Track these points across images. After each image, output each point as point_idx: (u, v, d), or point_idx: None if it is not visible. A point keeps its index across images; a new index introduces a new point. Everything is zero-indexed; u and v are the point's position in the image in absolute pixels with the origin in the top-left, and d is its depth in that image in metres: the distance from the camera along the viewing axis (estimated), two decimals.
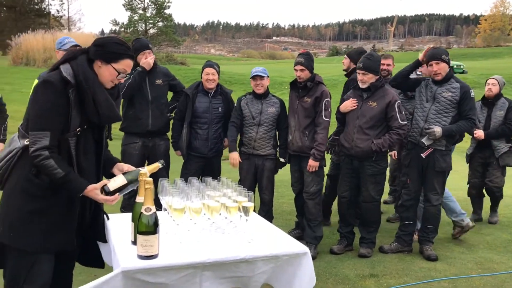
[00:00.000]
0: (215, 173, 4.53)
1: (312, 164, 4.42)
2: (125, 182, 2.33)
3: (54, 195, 2.32)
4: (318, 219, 4.57)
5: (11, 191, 2.33)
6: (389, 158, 4.86)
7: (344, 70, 5.33)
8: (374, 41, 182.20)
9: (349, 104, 4.48)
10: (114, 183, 2.32)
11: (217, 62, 5.05)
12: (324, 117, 4.43)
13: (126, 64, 2.43)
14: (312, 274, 2.50)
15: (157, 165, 2.41)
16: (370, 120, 4.37)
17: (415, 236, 4.82)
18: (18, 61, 25.43)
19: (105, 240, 2.63)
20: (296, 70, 4.53)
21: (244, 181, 4.62)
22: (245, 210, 2.54)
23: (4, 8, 57.83)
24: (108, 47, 2.39)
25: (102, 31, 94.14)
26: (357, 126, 4.43)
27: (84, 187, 2.28)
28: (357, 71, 4.46)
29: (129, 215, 2.74)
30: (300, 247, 2.51)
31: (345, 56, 5.37)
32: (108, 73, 2.39)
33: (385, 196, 5.93)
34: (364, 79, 4.39)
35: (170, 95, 4.95)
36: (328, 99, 4.47)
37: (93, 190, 2.29)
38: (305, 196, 4.57)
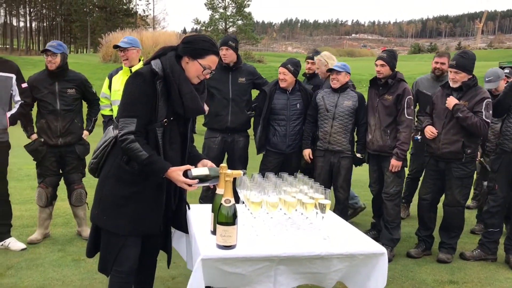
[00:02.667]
0: (293, 170, 4.56)
1: (395, 164, 4.31)
2: (207, 173, 2.43)
3: (143, 181, 2.49)
4: (396, 221, 4.45)
5: (105, 177, 2.54)
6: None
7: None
8: (460, 38, 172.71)
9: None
10: (197, 170, 2.43)
11: None
12: (406, 115, 4.30)
13: (211, 60, 2.53)
14: (385, 275, 2.45)
15: (239, 172, 2.47)
16: None
17: None
18: (108, 58, 27.12)
19: (186, 231, 2.76)
20: (376, 65, 4.44)
21: (318, 178, 4.61)
22: (322, 207, 2.54)
23: (97, 9, 61.87)
24: (195, 44, 2.51)
25: (184, 29, 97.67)
26: (446, 126, 4.26)
27: (167, 167, 2.40)
28: (449, 69, 4.29)
29: (208, 206, 2.86)
30: (377, 247, 2.47)
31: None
32: (194, 69, 2.51)
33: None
34: (456, 78, 4.20)
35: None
36: (410, 96, 4.34)
37: (176, 171, 2.39)
38: (384, 197, 4.46)
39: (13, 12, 77.55)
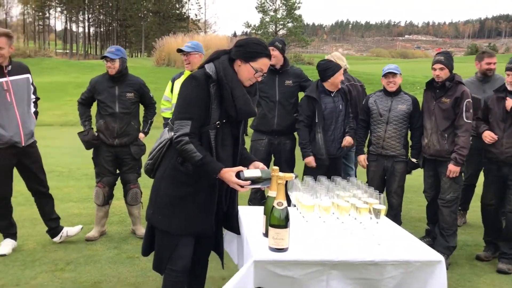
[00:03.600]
0: (339, 173, 4.50)
1: (453, 169, 4.16)
2: (259, 175, 2.44)
3: (197, 182, 2.54)
4: (453, 228, 4.29)
5: (160, 178, 2.61)
6: None
7: None
8: None
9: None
10: (249, 172, 2.45)
11: None
12: (465, 119, 4.15)
13: (263, 63, 2.55)
14: (445, 284, 2.36)
15: (291, 175, 2.46)
16: None
17: None
18: (161, 62, 27.81)
19: (238, 232, 2.78)
20: (434, 69, 4.29)
21: (370, 183, 4.51)
22: (376, 213, 2.49)
23: (151, 14, 63.72)
24: (247, 47, 2.54)
25: (235, 33, 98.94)
26: (507, 130, 4.08)
27: (220, 168, 2.44)
28: (506, 72, 4.11)
29: (259, 208, 2.87)
30: (434, 255, 2.39)
31: None
32: (247, 72, 2.54)
33: None
34: None
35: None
36: (469, 99, 4.18)
37: (229, 172, 2.42)
38: (440, 203, 4.31)
39: (73, 19, 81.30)
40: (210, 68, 2.52)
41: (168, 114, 4.97)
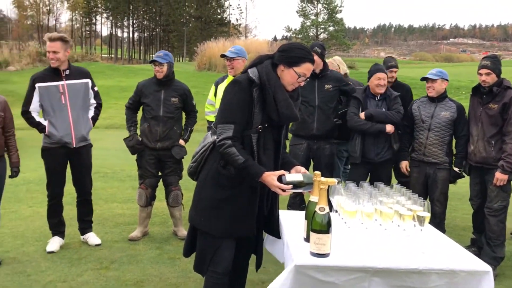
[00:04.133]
0: (383, 181, 4.42)
1: (500, 177, 4.01)
2: (301, 179, 2.44)
3: (239, 185, 2.57)
4: (500, 238, 4.14)
5: (203, 181, 2.66)
6: None
7: None
8: None
9: None
10: (291, 176, 2.46)
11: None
12: None
13: (306, 68, 2.55)
14: None
15: (333, 181, 2.44)
16: None
17: None
18: (202, 67, 28.20)
19: (279, 236, 2.79)
20: (480, 74, 4.16)
21: (412, 190, 4.40)
22: (420, 220, 2.44)
23: (193, 19, 64.79)
24: (290, 52, 2.56)
25: (275, 37, 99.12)
26: None
27: (262, 171, 2.46)
28: None
29: (300, 213, 2.87)
30: (481, 265, 2.31)
31: None
32: (290, 76, 2.55)
33: None
34: None
35: None
36: None
37: (270, 176, 2.44)
38: (487, 212, 4.17)
39: (118, 24, 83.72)
40: (253, 72, 2.55)
41: (211, 118, 5.04)
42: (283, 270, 2.28)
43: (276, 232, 2.81)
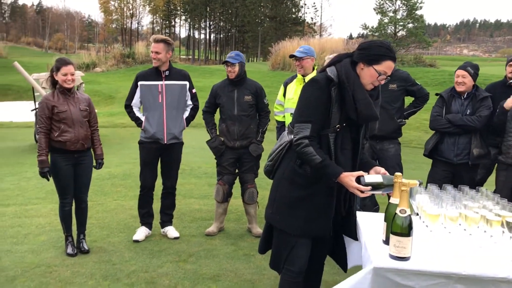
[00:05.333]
0: (462, 184, 4.19)
1: None
2: (381, 181, 2.38)
3: (315, 184, 2.56)
4: None
5: (280, 179, 2.68)
6: None
7: None
8: None
9: None
10: (370, 177, 2.40)
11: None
12: None
13: (387, 66, 2.48)
14: None
15: (415, 182, 2.36)
16: None
17: None
18: (276, 66, 28.39)
19: (355, 238, 2.75)
20: None
21: (500, 193, 4.14)
22: (510, 226, 2.29)
23: (267, 19, 65.30)
24: (370, 50, 2.50)
25: (350, 35, 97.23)
26: None
27: (340, 172, 2.43)
28: None
29: (377, 214, 2.81)
30: None
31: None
32: (369, 75, 2.49)
33: None
34: None
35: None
36: None
37: (348, 176, 2.40)
38: None
39: (195, 26, 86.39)
40: (331, 71, 2.52)
41: (280, 118, 5.07)
42: (359, 271, 2.23)
43: (352, 234, 2.77)
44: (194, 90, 4.80)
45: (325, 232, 2.67)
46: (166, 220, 4.87)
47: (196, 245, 4.56)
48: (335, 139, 2.54)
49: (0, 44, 49.27)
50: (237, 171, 4.93)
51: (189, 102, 4.77)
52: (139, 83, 4.58)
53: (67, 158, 4.15)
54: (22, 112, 18.56)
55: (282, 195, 2.64)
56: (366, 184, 2.37)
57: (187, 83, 4.69)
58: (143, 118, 4.59)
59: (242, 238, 4.83)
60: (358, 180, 2.39)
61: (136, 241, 4.59)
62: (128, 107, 4.66)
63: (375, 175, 2.44)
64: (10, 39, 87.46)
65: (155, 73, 4.59)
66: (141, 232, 4.71)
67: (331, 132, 2.52)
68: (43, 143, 4.10)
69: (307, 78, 4.77)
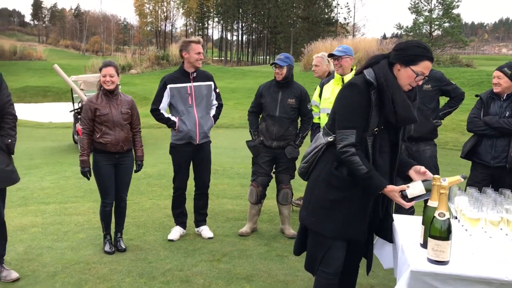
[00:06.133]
0: (502, 187, 4.06)
1: None
2: (423, 192, 2.37)
3: (351, 187, 2.54)
4: None
5: (315, 181, 2.67)
6: None
7: None
8: None
9: None
10: (413, 190, 2.40)
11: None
12: None
13: (424, 66, 2.45)
14: None
15: (458, 179, 2.32)
16: None
17: None
18: (308, 67, 28.19)
19: (391, 240, 2.72)
20: None
21: None
22: None
23: (300, 20, 65.14)
24: (407, 50, 2.47)
25: (384, 35, 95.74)
26: None
27: (384, 185, 2.42)
28: None
29: (415, 217, 2.77)
30: None
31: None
32: (406, 76, 2.47)
33: None
34: None
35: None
36: None
37: (392, 192, 2.42)
38: None
39: (228, 28, 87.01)
40: (369, 74, 2.50)
41: (315, 119, 5.06)
42: (400, 276, 2.21)
43: (388, 237, 2.74)
44: (217, 90, 4.91)
45: (361, 235, 2.65)
46: (201, 219, 4.93)
47: (229, 245, 4.60)
48: (373, 142, 2.52)
49: (40, 47, 50.99)
50: (273, 171, 4.94)
51: (215, 101, 4.87)
52: (168, 86, 4.62)
53: (108, 159, 4.26)
54: (61, 113, 19.17)
55: (318, 197, 2.64)
56: (410, 199, 2.38)
57: (212, 83, 4.80)
58: (175, 119, 4.64)
59: (275, 239, 4.83)
60: (402, 193, 2.41)
61: (171, 240, 4.66)
62: (156, 111, 4.67)
63: (418, 185, 2.43)
64: (49, 42, 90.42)
65: (183, 75, 4.66)
66: (176, 232, 4.78)
67: (369, 136, 2.51)
68: (85, 144, 4.23)
69: (346, 79, 4.74)
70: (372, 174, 2.42)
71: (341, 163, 2.55)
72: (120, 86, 4.52)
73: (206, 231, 4.85)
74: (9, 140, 3.67)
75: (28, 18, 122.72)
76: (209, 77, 4.81)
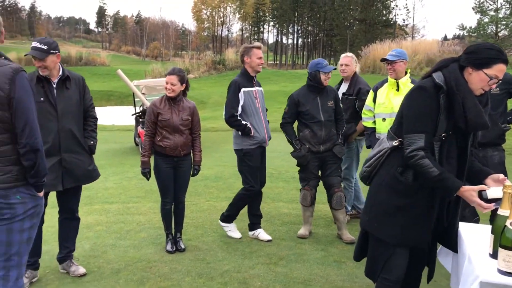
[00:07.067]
0: None
1: None
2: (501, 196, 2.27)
3: (416, 193, 2.48)
4: None
5: (378, 186, 2.62)
6: None
7: None
8: None
9: None
10: (493, 192, 2.29)
11: None
12: None
13: (498, 69, 2.35)
14: None
15: None
16: None
17: None
18: (365, 70, 27.74)
19: (455, 250, 2.62)
20: None
21: None
22: None
23: (357, 22, 64.20)
24: (479, 53, 2.38)
25: (445, 36, 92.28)
26: None
27: (459, 185, 2.33)
28: None
29: (483, 226, 2.65)
30: None
31: None
32: (479, 79, 2.37)
33: None
34: None
35: None
36: None
37: (470, 191, 2.31)
38: None
39: (283, 31, 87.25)
40: (438, 77, 2.43)
41: (369, 124, 4.98)
42: (465, 286, 2.13)
43: (453, 246, 2.64)
44: None
45: (424, 243, 2.58)
46: (256, 222, 4.97)
47: (286, 249, 4.60)
48: (440, 148, 2.44)
49: (104, 53, 53.43)
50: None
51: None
52: (243, 90, 4.70)
53: (168, 161, 4.39)
54: (123, 116, 19.97)
55: (380, 202, 2.59)
56: (489, 200, 2.26)
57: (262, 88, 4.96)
58: (249, 125, 4.69)
59: (332, 244, 4.78)
60: (480, 194, 2.29)
61: (231, 238, 4.83)
62: (234, 117, 4.67)
63: (497, 188, 2.31)
64: (112, 48, 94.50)
65: (248, 80, 4.75)
66: (236, 231, 4.96)
67: (436, 141, 2.43)
68: (147, 146, 4.40)
69: (401, 82, 4.64)
70: (445, 176, 2.33)
71: (407, 168, 2.49)
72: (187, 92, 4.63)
73: (263, 234, 4.88)
74: (92, 142, 3.92)
75: (92, 26, 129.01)
76: (259, 83, 4.95)
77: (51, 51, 3.60)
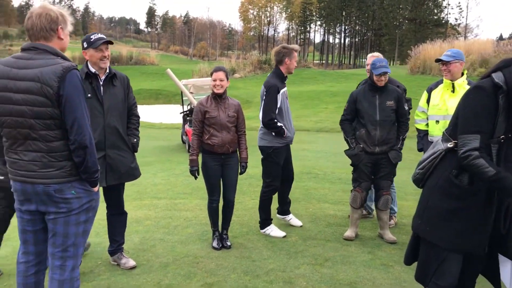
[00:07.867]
0: None
1: None
2: None
3: (472, 196, 2.40)
4: None
5: (431, 189, 2.56)
6: None
7: None
8: None
9: None
10: None
11: None
12: None
13: None
14: None
15: None
16: None
17: None
18: (415, 70, 27.03)
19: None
20: None
21: None
22: None
23: (406, 21, 62.74)
24: None
25: (501, 36, 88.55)
26: None
27: None
28: None
29: None
30: None
31: None
32: None
33: None
34: None
35: None
36: None
37: None
38: None
39: (330, 31, 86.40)
40: (498, 77, 2.35)
41: (422, 126, 4.85)
42: None
43: (510, 254, 2.54)
44: None
45: (479, 249, 2.49)
46: (287, 208, 5.25)
47: (331, 250, 4.56)
48: (498, 151, 2.36)
49: (153, 53, 54.75)
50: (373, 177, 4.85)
51: None
52: (281, 91, 4.74)
53: (215, 159, 4.46)
54: (171, 114, 20.42)
55: (434, 205, 2.52)
56: None
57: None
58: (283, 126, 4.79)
59: (379, 247, 4.69)
60: None
61: (276, 237, 4.89)
62: (272, 120, 4.72)
63: None
64: (160, 48, 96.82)
65: (283, 80, 4.86)
66: (278, 230, 5.00)
67: (494, 143, 2.35)
68: (195, 144, 4.47)
69: (456, 84, 4.50)
70: (502, 176, 2.25)
71: (462, 171, 2.42)
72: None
73: (295, 219, 5.19)
74: (135, 140, 4.01)
75: (142, 26, 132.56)
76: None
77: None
